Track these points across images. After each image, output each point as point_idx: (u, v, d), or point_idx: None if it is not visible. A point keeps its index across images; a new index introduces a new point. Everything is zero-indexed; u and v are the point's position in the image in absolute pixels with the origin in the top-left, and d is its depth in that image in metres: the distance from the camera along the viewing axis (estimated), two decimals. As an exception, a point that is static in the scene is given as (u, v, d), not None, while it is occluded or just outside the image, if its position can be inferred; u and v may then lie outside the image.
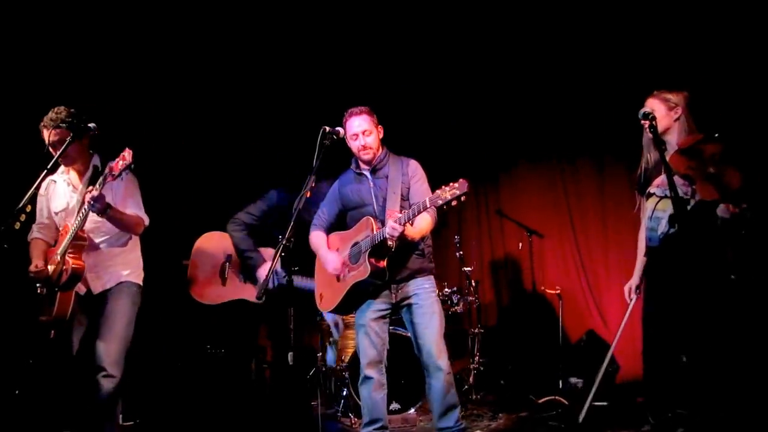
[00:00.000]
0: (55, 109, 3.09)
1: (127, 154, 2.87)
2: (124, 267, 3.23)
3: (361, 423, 3.36)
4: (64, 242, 3.04)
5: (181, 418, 4.28)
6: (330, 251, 3.36)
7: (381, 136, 3.38)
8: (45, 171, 2.94)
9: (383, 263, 3.10)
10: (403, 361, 3.99)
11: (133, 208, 3.18)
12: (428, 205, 2.83)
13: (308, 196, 2.87)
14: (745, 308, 3.06)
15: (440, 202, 2.75)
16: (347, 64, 5.44)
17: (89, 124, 3.05)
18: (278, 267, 3.59)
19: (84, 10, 4.48)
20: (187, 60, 5.04)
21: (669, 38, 4.65)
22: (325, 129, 2.97)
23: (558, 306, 4.90)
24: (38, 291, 3.15)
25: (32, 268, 3.12)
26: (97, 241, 3.17)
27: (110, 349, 3.06)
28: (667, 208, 2.81)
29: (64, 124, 3.04)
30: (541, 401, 4.47)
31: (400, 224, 2.96)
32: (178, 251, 4.31)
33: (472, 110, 5.72)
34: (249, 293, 3.86)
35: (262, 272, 3.84)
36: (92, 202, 2.86)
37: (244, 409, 4.01)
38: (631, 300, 3.28)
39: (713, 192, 2.75)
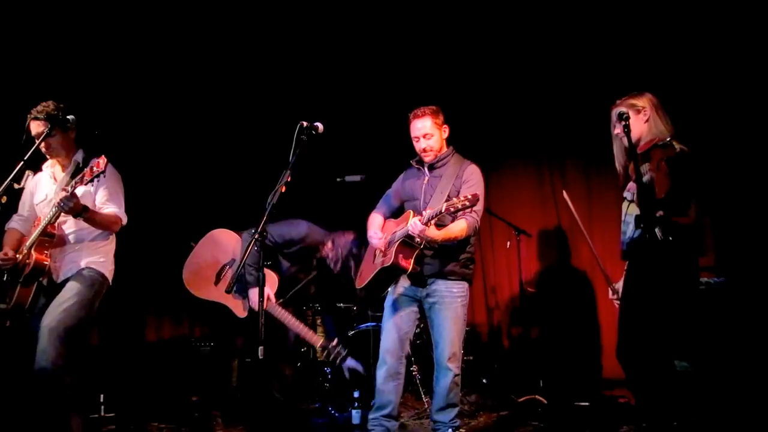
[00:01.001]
0: (44, 103, 3.13)
1: (101, 161, 2.89)
2: (89, 257, 3.21)
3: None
4: (33, 235, 3.08)
5: (162, 411, 4.32)
6: (379, 229, 3.50)
7: (446, 135, 3.48)
8: (22, 162, 2.94)
9: (409, 262, 3.22)
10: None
11: (112, 207, 3.19)
12: (443, 211, 2.99)
13: (283, 191, 2.85)
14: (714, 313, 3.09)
15: (453, 209, 2.95)
16: (344, 60, 5.48)
17: (68, 116, 3.06)
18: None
19: (78, 11, 4.51)
20: (186, 60, 5.09)
21: (658, 39, 4.64)
22: (303, 124, 2.94)
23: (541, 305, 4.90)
24: (3, 279, 3.15)
25: (1, 254, 3.12)
26: (66, 232, 3.19)
27: (51, 325, 2.95)
28: (635, 212, 2.80)
29: (46, 117, 3.07)
30: (521, 400, 4.47)
31: (422, 223, 3.07)
32: (168, 245, 4.32)
33: (461, 108, 5.68)
34: (234, 304, 3.75)
35: (253, 295, 3.72)
36: (62, 203, 2.88)
37: (224, 403, 4.00)
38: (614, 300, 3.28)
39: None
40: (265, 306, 2.86)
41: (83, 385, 3.29)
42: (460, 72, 5.55)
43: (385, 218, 3.63)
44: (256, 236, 2.70)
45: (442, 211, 3.00)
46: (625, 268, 3.03)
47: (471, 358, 4.97)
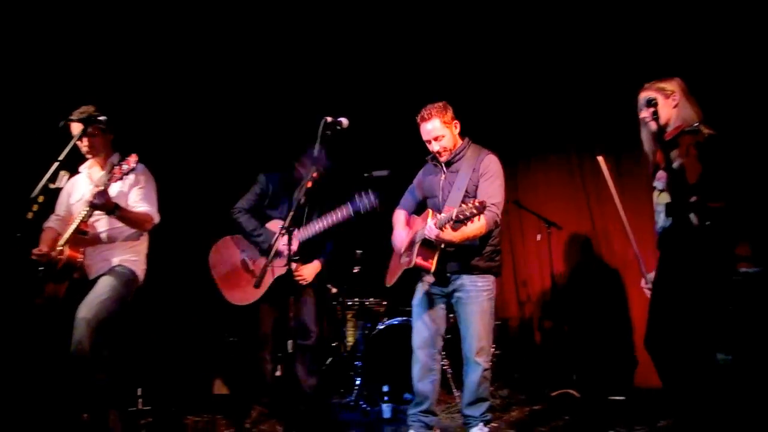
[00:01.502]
0: (84, 106, 3.26)
1: (132, 159, 3.02)
2: (122, 255, 3.32)
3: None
4: (67, 232, 3.18)
5: (198, 404, 4.41)
6: (403, 229, 3.51)
7: (458, 130, 3.41)
8: (57, 162, 3.02)
9: (430, 262, 3.22)
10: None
11: (144, 205, 3.30)
12: (452, 218, 2.97)
13: (309, 186, 2.88)
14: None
15: (462, 217, 2.92)
16: (371, 54, 5.50)
17: (99, 117, 3.16)
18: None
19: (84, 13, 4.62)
20: (216, 59, 5.19)
21: (692, 32, 4.53)
22: (327, 119, 2.97)
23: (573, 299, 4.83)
24: (39, 274, 3.27)
25: (36, 250, 3.23)
26: (99, 230, 3.29)
27: (87, 317, 3.06)
28: (665, 200, 2.74)
29: (88, 118, 3.19)
30: (554, 394, 4.42)
31: (437, 227, 3.07)
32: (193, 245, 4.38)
33: (492, 100, 5.66)
34: (278, 268, 3.71)
35: (279, 245, 3.79)
36: (95, 199, 2.99)
37: (255, 397, 4.05)
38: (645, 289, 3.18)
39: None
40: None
41: (121, 380, 3.41)
42: (491, 66, 5.51)
43: (410, 214, 3.63)
44: (282, 231, 2.73)
45: (453, 218, 2.97)
46: (658, 258, 2.97)
47: (500, 352, 4.96)
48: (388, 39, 5.42)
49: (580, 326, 4.97)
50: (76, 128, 3.23)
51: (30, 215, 2.91)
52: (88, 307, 3.09)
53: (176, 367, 4.59)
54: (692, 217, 2.59)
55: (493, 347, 3.40)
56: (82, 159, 3.39)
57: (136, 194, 3.31)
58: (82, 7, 4.56)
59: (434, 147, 3.36)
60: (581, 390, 4.39)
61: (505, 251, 5.73)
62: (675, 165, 2.63)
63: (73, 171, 3.42)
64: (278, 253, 3.30)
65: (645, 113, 2.82)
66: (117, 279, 3.22)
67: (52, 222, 3.44)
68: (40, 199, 2.93)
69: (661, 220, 2.81)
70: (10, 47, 4.43)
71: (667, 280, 2.76)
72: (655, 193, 2.89)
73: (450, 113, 3.37)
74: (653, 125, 2.71)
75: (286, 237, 2.83)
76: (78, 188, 3.43)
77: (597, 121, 5.16)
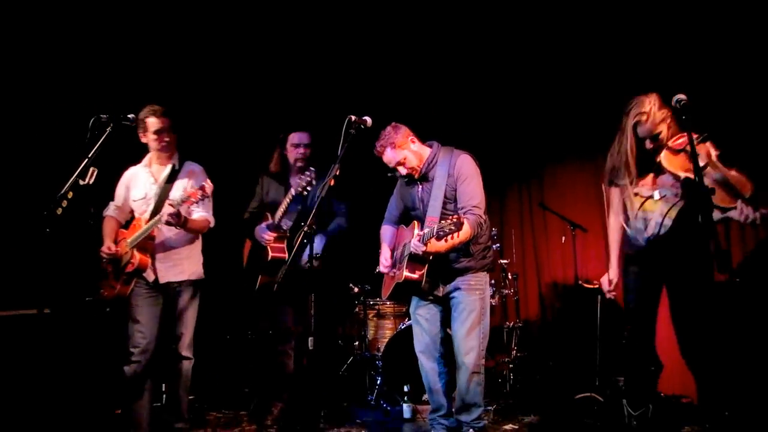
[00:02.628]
0: (154, 106, 3.49)
1: (208, 187, 3.22)
2: (189, 261, 3.57)
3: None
4: (136, 234, 3.41)
5: (220, 400, 4.46)
6: (385, 251, 3.49)
7: (417, 145, 3.35)
8: (87, 159, 3.07)
9: (419, 273, 3.22)
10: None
11: (202, 211, 3.49)
12: (433, 235, 2.95)
13: (332, 184, 2.89)
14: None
15: (442, 233, 2.91)
16: (391, 55, 5.50)
17: (128, 116, 3.21)
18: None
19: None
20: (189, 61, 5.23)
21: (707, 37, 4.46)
22: (351, 118, 2.97)
23: (598, 301, 4.76)
24: (103, 266, 3.51)
25: (105, 249, 3.48)
26: (165, 234, 3.50)
27: (185, 337, 3.50)
28: (656, 209, 2.75)
29: (163, 114, 3.47)
30: (577, 398, 4.37)
31: (422, 243, 3.07)
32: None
33: (519, 103, 5.64)
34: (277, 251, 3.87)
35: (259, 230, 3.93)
36: (170, 220, 3.26)
37: (281, 393, 4.07)
38: (609, 293, 3.23)
39: (725, 198, 2.63)
40: None
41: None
42: (518, 69, 5.50)
43: (396, 225, 3.61)
44: (306, 229, 2.75)
45: (433, 234, 2.96)
46: (628, 265, 2.97)
47: (525, 354, 4.92)
48: (417, 43, 5.42)
49: (605, 328, 4.89)
50: (154, 124, 3.44)
51: (59, 211, 2.95)
52: (186, 331, 3.51)
53: (199, 363, 4.64)
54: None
55: (482, 350, 3.26)
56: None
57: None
58: (104, 8, 4.66)
59: (402, 171, 3.34)
60: (604, 394, 4.33)
61: (529, 253, 5.73)
62: (716, 176, 2.62)
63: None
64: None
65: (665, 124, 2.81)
66: (195, 295, 3.57)
67: (111, 211, 3.66)
68: (69, 195, 2.98)
69: (651, 228, 2.80)
70: (36, 47, 4.54)
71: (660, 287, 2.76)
72: (637, 199, 2.88)
73: (401, 133, 3.29)
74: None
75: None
76: (138, 184, 3.61)
77: (620, 123, 5.08)
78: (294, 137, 4.05)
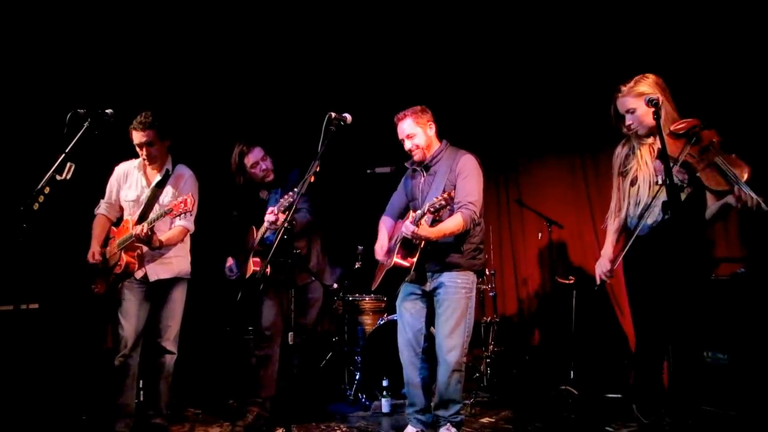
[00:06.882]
0: (145, 114, 3.48)
1: (189, 201, 3.22)
2: (177, 260, 3.61)
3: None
4: (124, 237, 3.45)
5: (199, 398, 4.44)
6: (382, 238, 3.58)
7: (433, 132, 3.46)
8: (64, 154, 3.04)
9: (410, 260, 3.28)
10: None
11: (183, 222, 3.55)
12: (425, 212, 3.06)
13: (312, 180, 2.90)
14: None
15: (433, 209, 3.04)
16: (376, 53, 5.54)
17: (106, 110, 3.17)
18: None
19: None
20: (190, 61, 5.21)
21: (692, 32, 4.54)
22: (331, 115, 2.98)
23: (573, 296, 4.85)
24: (92, 266, 3.58)
25: (89, 258, 3.54)
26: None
27: (171, 331, 3.54)
28: (660, 196, 2.76)
29: (151, 126, 3.46)
30: (552, 391, 4.45)
31: (413, 224, 3.12)
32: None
33: (493, 99, 5.70)
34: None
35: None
36: (140, 240, 3.32)
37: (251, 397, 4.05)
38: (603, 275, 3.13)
39: (720, 181, 2.68)
40: None
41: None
42: (495, 66, 5.55)
43: (395, 220, 3.67)
44: (285, 225, 2.76)
45: (425, 211, 3.05)
46: (628, 254, 2.95)
47: (502, 348, 4.99)
48: (393, 38, 5.46)
49: (580, 323, 4.99)
50: (137, 138, 3.46)
51: (36, 206, 2.93)
52: (168, 321, 3.54)
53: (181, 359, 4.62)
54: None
55: (465, 348, 3.29)
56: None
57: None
58: (93, 7, 4.62)
59: (407, 145, 3.44)
60: (579, 387, 4.42)
61: (506, 249, 5.78)
62: (721, 164, 2.66)
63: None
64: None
65: (643, 117, 2.85)
66: (183, 294, 3.63)
67: (102, 209, 3.72)
68: (46, 190, 2.95)
69: (654, 215, 2.84)
70: (16, 43, 4.47)
71: (658, 278, 2.78)
72: (647, 188, 2.89)
73: (426, 116, 3.44)
74: (653, 123, 2.71)
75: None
76: (131, 186, 3.64)
77: (598, 121, 5.15)
78: (248, 159, 3.85)
